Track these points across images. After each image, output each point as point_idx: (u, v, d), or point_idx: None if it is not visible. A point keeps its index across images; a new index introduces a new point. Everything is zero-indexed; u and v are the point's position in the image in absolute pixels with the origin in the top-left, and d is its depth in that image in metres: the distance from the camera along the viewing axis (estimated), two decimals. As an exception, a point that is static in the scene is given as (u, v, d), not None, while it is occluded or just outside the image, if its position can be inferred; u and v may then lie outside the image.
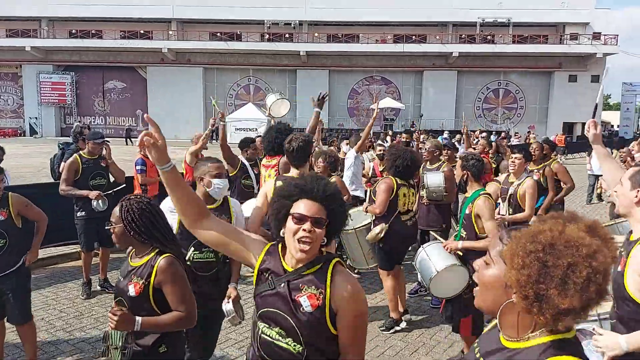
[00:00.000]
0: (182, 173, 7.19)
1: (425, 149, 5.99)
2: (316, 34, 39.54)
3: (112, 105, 41.47)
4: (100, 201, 5.47)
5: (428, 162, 5.96)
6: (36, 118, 40.47)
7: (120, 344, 2.29)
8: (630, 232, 2.30)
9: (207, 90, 40.66)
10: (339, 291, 1.76)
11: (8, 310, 3.87)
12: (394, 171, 4.79)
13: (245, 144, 6.38)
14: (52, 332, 4.80)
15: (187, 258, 3.07)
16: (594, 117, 2.92)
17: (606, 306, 2.32)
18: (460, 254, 4.16)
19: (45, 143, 30.20)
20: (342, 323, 1.77)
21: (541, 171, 6.06)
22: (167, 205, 2.96)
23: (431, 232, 5.01)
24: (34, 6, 38.17)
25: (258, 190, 5.51)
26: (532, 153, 5.92)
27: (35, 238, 4.01)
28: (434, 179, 5.42)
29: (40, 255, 6.67)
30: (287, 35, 39.58)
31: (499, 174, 6.36)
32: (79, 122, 36.46)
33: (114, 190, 5.77)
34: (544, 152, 6.40)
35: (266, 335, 1.81)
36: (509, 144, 19.19)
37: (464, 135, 9.18)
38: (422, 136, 7.23)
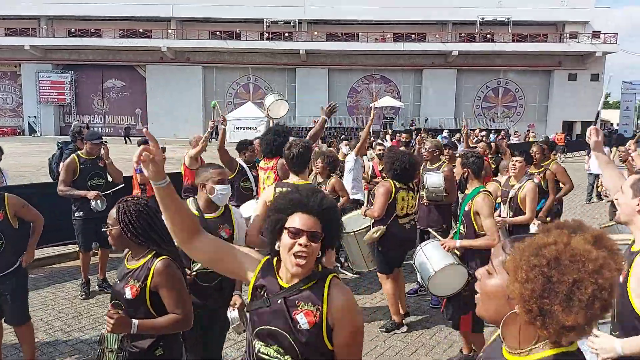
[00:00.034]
0: (181, 173, 7.18)
1: (425, 149, 5.97)
2: (315, 33, 39.49)
3: (111, 104, 41.43)
4: (99, 201, 5.45)
5: (428, 162, 5.94)
6: (35, 117, 40.45)
7: (116, 346, 2.27)
8: (632, 242, 2.27)
9: (206, 89, 40.66)
10: (335, 307, 1.74)
11: (6, 311, 3.85)
12: (392, 174, 4.77)
13: (243, 146, 6.36)
14: (51, 333, 4.78)
15: (193, 270, 3.05)
16: (595, 124, 2.90)
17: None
18: (458, 253, 4.15)
19: (44, 142, 30.19)
20: (338, 339, 1.75)
21: (542, 174, 6.05)
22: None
23: (429, 229, 5.00)
24: (33, 5, 38.10)
25: (257, 192, 5.49)
26: (533, 156, 5.91)
27: (31, 239, 3.99)
28: (433, 179, 5.40)
29: (39, 255, 6.70)
30: (286, 34, 39.52)
31: (498, 174, 6.35)
32: (78, 121, 36.41)
33: (113, 190, 5.75)
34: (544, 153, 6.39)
35: (264, 354, 1.78)
36: (508, 142, 19.21)
37: (463, 135, 9.18)
38: (424, 136, 7.20)
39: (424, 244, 4.39)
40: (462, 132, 10.46)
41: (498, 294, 1.25)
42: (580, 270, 1.06)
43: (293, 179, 3.66)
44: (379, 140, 9.42)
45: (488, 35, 38.72)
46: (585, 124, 37.17)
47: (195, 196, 3.28)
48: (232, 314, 3.13)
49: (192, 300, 2.80)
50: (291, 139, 7.00)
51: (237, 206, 4.30)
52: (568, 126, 38.28)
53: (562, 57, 38.22)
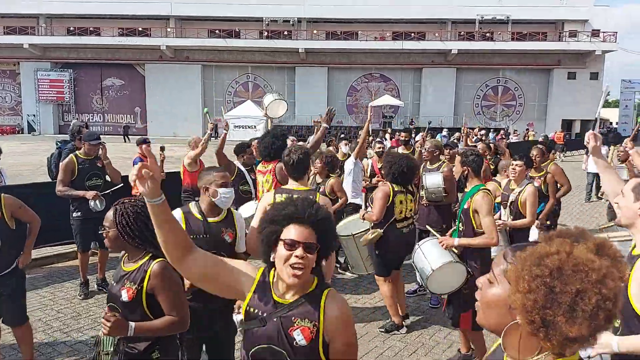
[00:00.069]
0: (179, 173, 7.16)
1: (425, 149, 5.95)
2: (315, 31, 39.46)
3: (111, 103, 41.40)
4: (97, 201, 5.44)
5: (428, 162, 5.93)
6: (34, 115, 40.42)
7: (112, 349, 2.27)
8: (634, 246, 2.27)
9: (205, 88, 40.63)
10: (330, 319, 1.74)
11: (4, 312, 3.84)
12: (391, 178, 4.77)
13: (241, 149, 6.35)
14: (49, 333, 4.77)
15: None
16: (593, 129, 2.91)
17: None
18: (456, 251, 4.15)
19: (43, 140, 30.16)
20: (334, 352, 1.76)
21: (542, 178, 6.04)
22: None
23: (428, 226, 4.99)
24: (32, 3, 38.05)
25: (256, 195, 5.47)
26: (533, 159, 5.91)
27: (27, 240, 3.97)
28: (432, 180, 5.38)
29: (38, 255, 6.69)
30: (285, 33, 39.49)
31: (497, 174, 6.33)
32: (77, 119, 36.37)
33: (112, 189, 5.74)
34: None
35: None
36: (508, 141, 19.20)
37: (463, 135, 9.16)
38: (425, 139, 7.15)
39: (422, 242, 4.37)
40: (462, 131, 10.45)
41: (499, 304, 1.23)
42: (584, 280, 1.05)
43: (292, 184, 3.66)
44: (378, 139, 9.39)
45: (487, 34, 38.72)
46: (585, 123, 37.24)
47: (197, 199, 3.26)
48: (238, 317, 3.11)
49: (192, 300, 2.80)
50: (290, 138, 7.04)
51: (236, 209, 4.29)
52: (567, 125, 38.31)
53: (561, 55, 38.22)
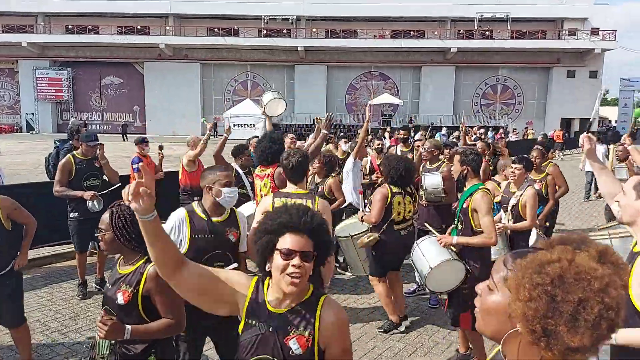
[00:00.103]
0: (178, 172, 7.14)
1: (425, 149, 5.93)
2: (314, 29, 39.42)
3: (109, 101, 41.35)
4: (95, 201, 5.41)
5: (428, 162, 5.91)
6: (33, 114, 40.35)
7: (107, 352, 2.25)
8: (635, 243, 2.27)
9: (204, 86, 40.59)
10: (325, 325, 1.74)
11: (1, 313, 3.82)
12: (390, 180, 4.77)
13: (239, 151, 6.32)
14: (47, 334, 4.75)
15: None
16: (588, 131, 2.90)
17: None
18: (454, 249, 4.13)
19: (41, 139, 30.11)
20: (329, 358, 1.77)
21: (543, 182, 6.02)
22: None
23: (426, 224, 4.98)
24: (30, 2, 38.02)
25: (253, 197, 5.45)
26: (533, 161, 5.89)
27: (23, 242, 3.94)
28: (431, 180, 5.36)
29: (36, 255, 6.67)
30: (284, 31, 39.43)
31: (496, 174, 6.31)
32: (76, 118, 36.35)
33: (109, 190, 5.72)
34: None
35: None
36: (507, 140, 19.16)
37: (461, 133, 9.12)
38: (424, 140, 7.07)
39: (420, 241, 4.36)
40: (460, 129, 10.40)
41: (499, 311, 1.21)
42: (586, 289, 1.02)
43: (291, 188, 3.64)
44: (377, 141, 9.34)
45: (487, 32, 38.71)
46: (584, 121, 37.24)
47: (195, 199, 3.25)
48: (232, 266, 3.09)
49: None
50: (289, 136, 7.01)
51: (235, 209, 4.27)
52: (566, 123, 38.30)
53: (560, 54, 38.21)
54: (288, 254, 1.70)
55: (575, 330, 1.02)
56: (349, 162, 6.58)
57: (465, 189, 4.24)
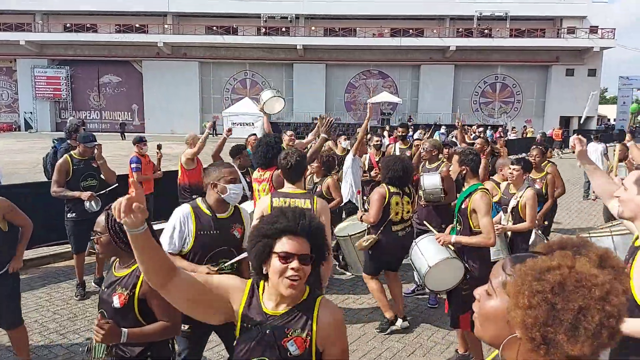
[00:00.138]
0: (177, 171, 7.12)
1: (424, 149, 5.91)
2: (313, 28, 39.36)
3: (108, 100, 41.29)
4: (93, 202, 5.38)
5: (427, 162, 5.89)
6: (31, 113, 40.28)
7: (103, 356, 2.24)
8: (636, 237, 2.27)
9: (203, 85, 40.54)
10: (323, 326, 1.74)
11: (2, 315, 3.80)
12: (388, 181, 4.76)
13: (236, 152, 6.30)
14: (46, 335, 4.73)
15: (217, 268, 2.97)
16: (578, 133, 2.91)
17: None
18: (452, 248, 4.12)
19: (40, 138, 30.05)
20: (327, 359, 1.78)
21: (544, 181, 6.01)
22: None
23: (425, 222, 4.96)
24: (29, 0, 37.84)
25: (251, 197, 5.43)
26: (533, 160, 5.87)
27: (19, 244, 3.91)
28: (430, 180, 5.35)
29: (34, 255, 6.65)
30: (283, 29, 39.37)
31: (495, 174, 6.30)
32: (74, 116, 36.30)
33: (107, 190, 5.70)
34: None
35: None
36: (505, 138, 19.16)
37: (458, 131, 9.07)
38: (424, 140, 7.00)
39: (419, 239, 4.34)
40: (456, 123, 10.33)
41: (497, 317, 1.18)
42: (587, 297, 1.00)
43: (289, 188, 3.63)
44: (375, 137, 9.32)
45: (486, 31, 38.69)
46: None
47: (194, 197, 3.24)
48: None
49: None
50: (288, 133, 7.00)
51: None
52: (565, 121, 38.33)
53: (559, 52, 38.22)
54: (286, 258, 1.69)
55: (576, 339, 1.00)
56: (349, 158, 6.57)
57: (464, 188, 4.23)
